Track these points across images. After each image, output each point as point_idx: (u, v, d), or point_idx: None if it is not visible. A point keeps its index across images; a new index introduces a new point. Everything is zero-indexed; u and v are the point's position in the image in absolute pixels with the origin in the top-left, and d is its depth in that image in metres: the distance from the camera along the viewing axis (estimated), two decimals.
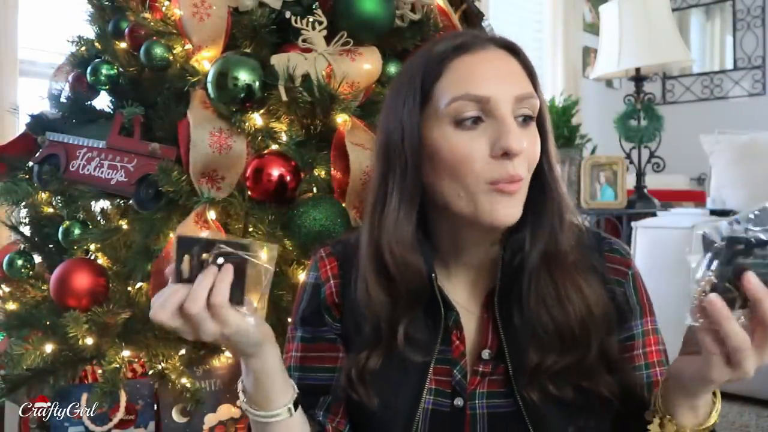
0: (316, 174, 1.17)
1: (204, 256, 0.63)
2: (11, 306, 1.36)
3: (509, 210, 0.73)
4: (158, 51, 1.23)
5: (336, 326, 0.83)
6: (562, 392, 0.74)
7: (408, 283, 0.76)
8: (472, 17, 1.49)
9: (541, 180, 0.77)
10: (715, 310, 0.58)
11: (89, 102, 1.44)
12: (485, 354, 0.78)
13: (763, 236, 0.58)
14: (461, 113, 0.72)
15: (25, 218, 1.45)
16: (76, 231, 1.29)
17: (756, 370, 0.60)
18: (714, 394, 0.68)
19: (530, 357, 0.75)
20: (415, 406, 0.77)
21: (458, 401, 0.77)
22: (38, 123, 1.45)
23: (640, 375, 0.78)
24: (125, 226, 1.25)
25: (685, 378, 0.66)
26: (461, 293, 0.81)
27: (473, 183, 0.72)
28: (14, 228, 1.45)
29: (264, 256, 0.65)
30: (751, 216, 0.59)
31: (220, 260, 0.63)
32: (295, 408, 0.74)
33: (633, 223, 2.53)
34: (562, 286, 0.75)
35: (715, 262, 0.59)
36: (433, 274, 0.77)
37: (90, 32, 1.46)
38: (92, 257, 1.31)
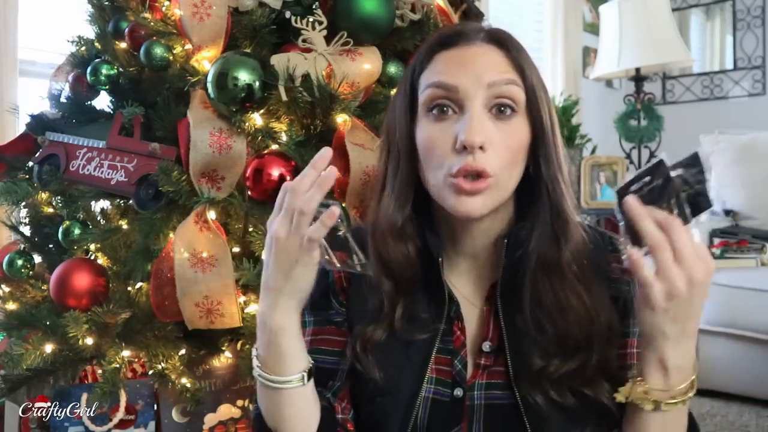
0: None
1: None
2: (11, 306, 1.36)
3: (471, 206, 0.72)
4: (158, 51, 1.23)
5: (342, 311, 0.84)
6: (563, 398, 0.74)
7: (399, 268, 0.78)
8: (472, 17, 1.49)
9: (537, 176, 0.76)
10: (632, 207, 0.61)
11: (89, 102, 1.44)
12: (486, 346, 0.79)
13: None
14: (430, 102, 0.74)
15: (25, 218, 1.45)
16: (76, 231, 1.29)
17: (686, 285, 0.60)
18: (692, 384, 0.67)
19: (534, 361, 0.74)
20: (415, 394, 0.77)
21: (458, 391, 0.78)
22: (38, 123, 1.44)
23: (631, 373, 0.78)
24: (125, 226, 1.25)
25: (644, 329, 0.66)
26: (464, 285, 0.82)
27: (439, 175, 0.73)
28: (14, 228, 1.45)
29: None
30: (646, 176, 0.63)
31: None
32: (308, 378, 0.73)
33: None
34: (562, 293, 0.74)
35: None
36: (440, 258, 0.78)
37: (90, 32, 1.46)
38: (92, 257, 1.31)
